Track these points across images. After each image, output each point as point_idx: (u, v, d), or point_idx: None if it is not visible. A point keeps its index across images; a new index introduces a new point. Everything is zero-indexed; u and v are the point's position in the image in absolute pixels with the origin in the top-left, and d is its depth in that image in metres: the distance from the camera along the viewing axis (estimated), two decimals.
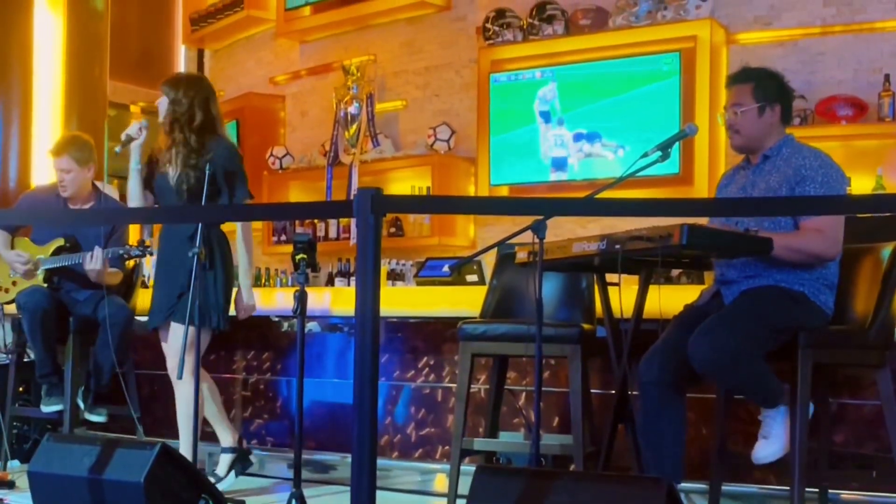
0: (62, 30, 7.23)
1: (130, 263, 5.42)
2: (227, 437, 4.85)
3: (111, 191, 6.44)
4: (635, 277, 4.04)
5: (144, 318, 6.12)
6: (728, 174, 4.08)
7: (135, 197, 4.66)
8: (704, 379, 3.73)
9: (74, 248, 5.26)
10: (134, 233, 9.64)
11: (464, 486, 3.64)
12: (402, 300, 5.55)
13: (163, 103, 4.62)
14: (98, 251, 5.08)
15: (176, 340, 4.56)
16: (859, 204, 3.39)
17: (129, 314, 5.33)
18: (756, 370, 3.58)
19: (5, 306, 5.58)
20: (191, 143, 4.54)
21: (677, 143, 4.01)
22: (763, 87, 3.83)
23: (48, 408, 5.26)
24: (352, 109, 8.02)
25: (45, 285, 5.26)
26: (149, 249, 5.22)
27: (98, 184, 5.58)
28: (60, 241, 5.28)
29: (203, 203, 4.39)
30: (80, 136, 5.58)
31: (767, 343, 3.59)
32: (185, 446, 4.55)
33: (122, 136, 4.61)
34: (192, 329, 4.31)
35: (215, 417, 4.84)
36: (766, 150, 3.83)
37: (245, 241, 4.70)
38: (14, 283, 5.36)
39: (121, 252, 5.11)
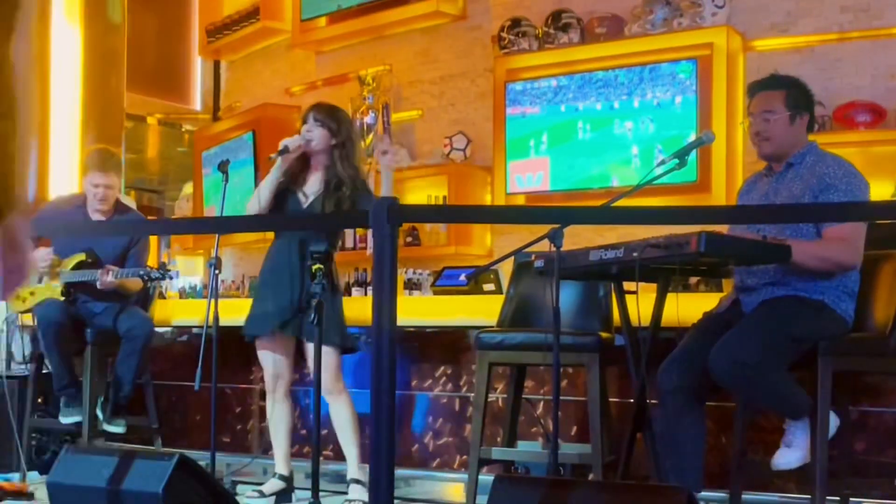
0: (79, 42, 7.26)
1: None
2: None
3: (129, 202, 6.47)
4: (653, 285, 4.02)
5: (164, 329, 6.16)
6: (750, 181, 4.06)
7: (264, 198, 4.67)
8: (727, 391, 3.72)
9: (95, 262, 5.28)
10: (152, 243, 9.68)
11: (482, 495, 3.64)
12: (419, 309, 5.54)
13: (315, 131, 4.67)
14: (109, 272, 5.09)
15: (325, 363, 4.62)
16: (880, 210, 3.38)
17: (152, 327, 5.35)
18: (779, 383, 3.56)
19: (23, 316, 5.61)
20: (345, 175, 4.65)
21: (694, 151, 4.00)
22: (795, 95, 3.82)
23: (67, 419, 5.28)
24: (368, 119, 8.03)
25: (63, 298, 5.27)
26: (170, 273, 5.21)
27: (118, 196, 5.60)
28: (82, 257, 5.30)
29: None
30: (112, 150, 5.63)
31: (789, 354, 3.57)
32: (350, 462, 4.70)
33: (281, 146, 4.65)
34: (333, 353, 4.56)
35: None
36: (790, 157, 3.81)
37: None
38: (32, 293, 5.38)
39: (141, 273, 5.11)
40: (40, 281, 5.34)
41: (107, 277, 5.11)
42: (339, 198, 4.62)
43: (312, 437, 4.20)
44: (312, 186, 4.71)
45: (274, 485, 4.75)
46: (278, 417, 4.80)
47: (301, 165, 4.77)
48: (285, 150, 4.64)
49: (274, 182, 4.68)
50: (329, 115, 4.72)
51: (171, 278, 5.28)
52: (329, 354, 4.58)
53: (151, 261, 5.45)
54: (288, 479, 4.79)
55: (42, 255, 5.27)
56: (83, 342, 5.31)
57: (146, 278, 5.14)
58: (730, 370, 3.50)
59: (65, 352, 5.21)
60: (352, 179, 4.66)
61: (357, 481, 4.67)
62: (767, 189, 3.86)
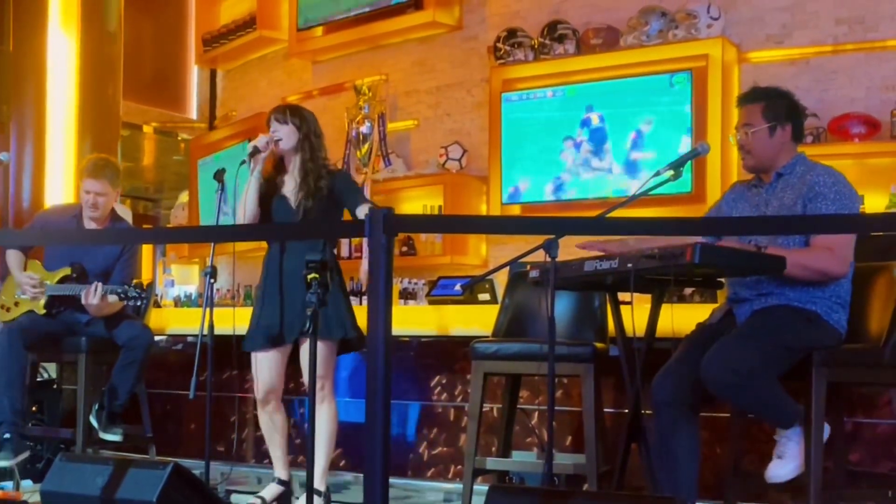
0: (76, 51, 7.27)
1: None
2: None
3: (125, 210, 6.46)
4: (648, 296, 4.03)
5: (159, 338, 6.14)
6: (737, 189, 4.06)
7: (250, 208, 4.63)
8: (718, 398, 3.72)
9: (80, 276, 5.25)
10: (147, 253, 9.65)
11: None
12: (414, 319, 5.54)
13: (281, 130, 4.66)
14: (97, 288, 5.06)
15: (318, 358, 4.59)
16: (872, 222, 3.39)
17: (152, 336, 5.34)
18: (770, 391, 3.56)
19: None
20: (321, 172, 4.63)
21: (689, 162, 4.01)
22: (773, 106, 3.83)
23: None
24: (363, 129, 8.04)
25: (44, 311, 5.25)
26: (144, 294, 5.15)
27: (115, 206, 5.59)
28: (67, 271, 5.28)
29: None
30: (111, 159, 5.60)
31: (781, 363, 3.57)
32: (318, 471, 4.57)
33: (250, 148, 4.63)
34: (329, 348, 4.51)
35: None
36: (780, 168, 3.82)
37: None
38: (17, 304, 5.36)
39: (118, 290, 5.07)
40: (25, 293, 5.33)
41: (92, 300, 5.06)
42: (320, 194, 4.60)
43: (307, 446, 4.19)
44: (290, 187, 4.68)
45: (273, 490, 4.72)
46: (272, 427, 4.77)
47: (276, 169, 4.75)
48: (255, 151, 4.61)
49: (255, 187, 4.64)
50: (291, 113, 4.72)
51: (144, 299, 5.21)
52: (321, 349, 4.56)
53: (145, 270, 5.42)
54: (287, 483, 4.77)
55: (26, 280, 5.26)
56: (59, 352, 5.32)
57: (123, 296, 5.07)
58: (722, 378, 3.51)
59: (10, 379, 5.07)
60: (325, 168, 4.66)
61: (318, 492, 4.61)
62: (758, 200, 3.87)
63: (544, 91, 7.17)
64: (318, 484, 4.59)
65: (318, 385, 4.58)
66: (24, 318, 5.24)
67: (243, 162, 4.61)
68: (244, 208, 4.63)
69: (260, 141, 4.65)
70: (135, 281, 5.20)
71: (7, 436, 5.04)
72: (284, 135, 4.66)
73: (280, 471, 4.76)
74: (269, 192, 4.70)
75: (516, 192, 7.22)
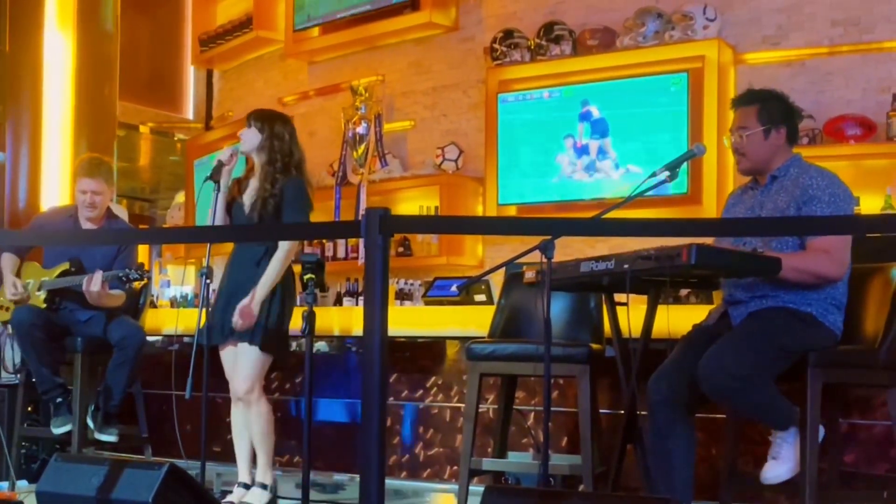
0: (72, 50, 7.26)
1: (136, 285, 5.41)
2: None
3: (121, 210, 6.46)
4: (644, 297, 4.04)
5: (154, 338, 6.15)
6: (736, 194, 4.08)
7: (218, 218, 4.65)
8: (715, 402, 3.73)
9: (79, 271, 5.27)
10: (143, 253, 9.65)
11: None
12: (410, 320, 5.55)
13: (247, 135, 4.68)
14: (97, 274, 5.09)
15: (244, 362, 4.61)
16: (868, 224, 3.39)
17: (144, 336, 5.35)
18: (766, 394, 3.57)
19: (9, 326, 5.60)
20: (276, 177, 4.62)
21: (685, 163, 4.02)
22: (768, 109, 3.83)
23: (58, 429, 5.25)
24: (360, 129, 8.03)
25: (45, 306, 5.27)
26: (147, 273, 5.21)
27: (110, 205, 5.61)
28: (65, 266, 5.30)
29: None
30: (104, 158, 5.64)
31: (777, 366, 3.58)
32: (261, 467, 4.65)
33: (215, 162, 4.65)
34: (253, 353, 4.54)
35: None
36: (774, 170, 3.83)
37: (280, 259, 4.61)
38: (15, 303, 5.37)
39: (119, 275, 5.11)
40: (7, 296, 5.33)
41: (92, 287, 5.09)
42: (275, 200, 4.58)
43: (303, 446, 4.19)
44: (251, 192, 4.69)
45: (241, 493, 4.70)
46: (244, 424, 4.76)
47: (247, 173, 4.77)
48: (220, 165, 4.63)
49: (222, 201, 4.65)
50: (257, 116, 4.74)
51: (147, 279, 5.26)
52: (248, 354, 4.58)
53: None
54: (250, 488, 4.74)
55: (10, 285, 5.27)
56: (63, 350, 5.31)
57: (124, 279, 5.13)
58: (718, 381, 3.51)
59: (42, 354, 5.20)
60: (280, 172, 4.62)
61: (263, 486, 4.64)
62: (753, 202, 3.88)
63: (541, 92, 7.17)
64: (264, 478, 4.62)
65: (247, 388, 4.59)
66: (18, 315, 5.24)
67: (207, 179, 4.63)
68: (211, 219, 4.65)
69: (224, 154, 4.69)
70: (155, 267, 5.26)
71: (59, 400, 5.25)
72: (246, 137, 4.69)
73: (245, 475, 4.74)
74: (234, 196, 4.73)
75: (512, 192, 7.22)
